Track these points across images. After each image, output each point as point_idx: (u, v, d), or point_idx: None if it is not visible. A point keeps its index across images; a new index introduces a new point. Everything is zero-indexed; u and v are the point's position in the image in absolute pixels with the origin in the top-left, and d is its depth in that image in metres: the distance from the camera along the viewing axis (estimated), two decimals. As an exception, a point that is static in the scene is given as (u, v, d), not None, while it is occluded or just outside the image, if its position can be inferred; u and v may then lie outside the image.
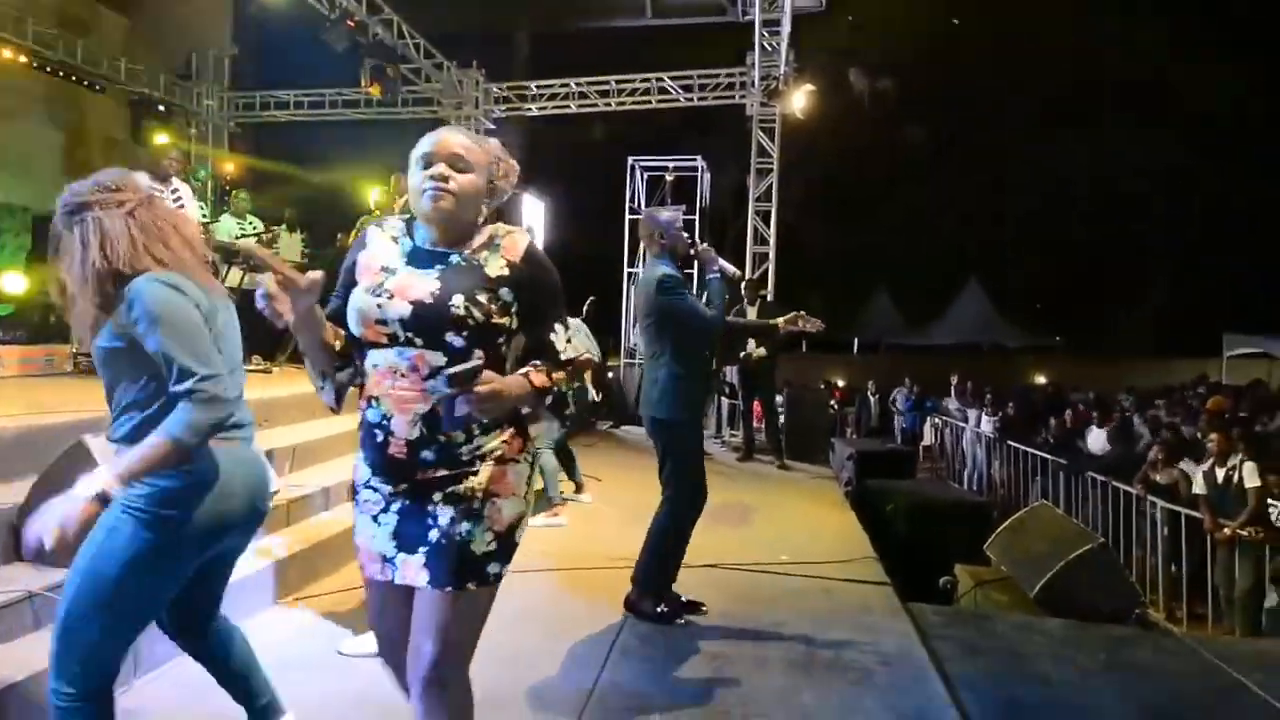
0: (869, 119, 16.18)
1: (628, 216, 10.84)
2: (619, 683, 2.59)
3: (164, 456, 1.44)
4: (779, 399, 7.93)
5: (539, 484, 4.79)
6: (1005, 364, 19.29)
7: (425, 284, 1.43)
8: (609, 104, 9.78)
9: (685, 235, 3.23)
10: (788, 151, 9.01)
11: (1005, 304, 21.25)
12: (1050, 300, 23.86)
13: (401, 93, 9.36)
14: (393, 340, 1.42)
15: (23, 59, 8.11)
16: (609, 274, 10.83)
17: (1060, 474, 7.25)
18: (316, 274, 1.37)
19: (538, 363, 1.49)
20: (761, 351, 6.96)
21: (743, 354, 7.05)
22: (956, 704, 2.53)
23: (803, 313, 3.53)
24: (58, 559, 2.12)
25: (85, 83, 9.03)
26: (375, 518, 1.49)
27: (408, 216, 1.56)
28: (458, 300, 1.40)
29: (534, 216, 11.97)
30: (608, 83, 9.73)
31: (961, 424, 10.69)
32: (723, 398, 8.85)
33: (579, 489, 5.19)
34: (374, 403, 1.45)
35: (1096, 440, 7.93)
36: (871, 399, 13.63)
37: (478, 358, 1.41)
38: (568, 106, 9.98)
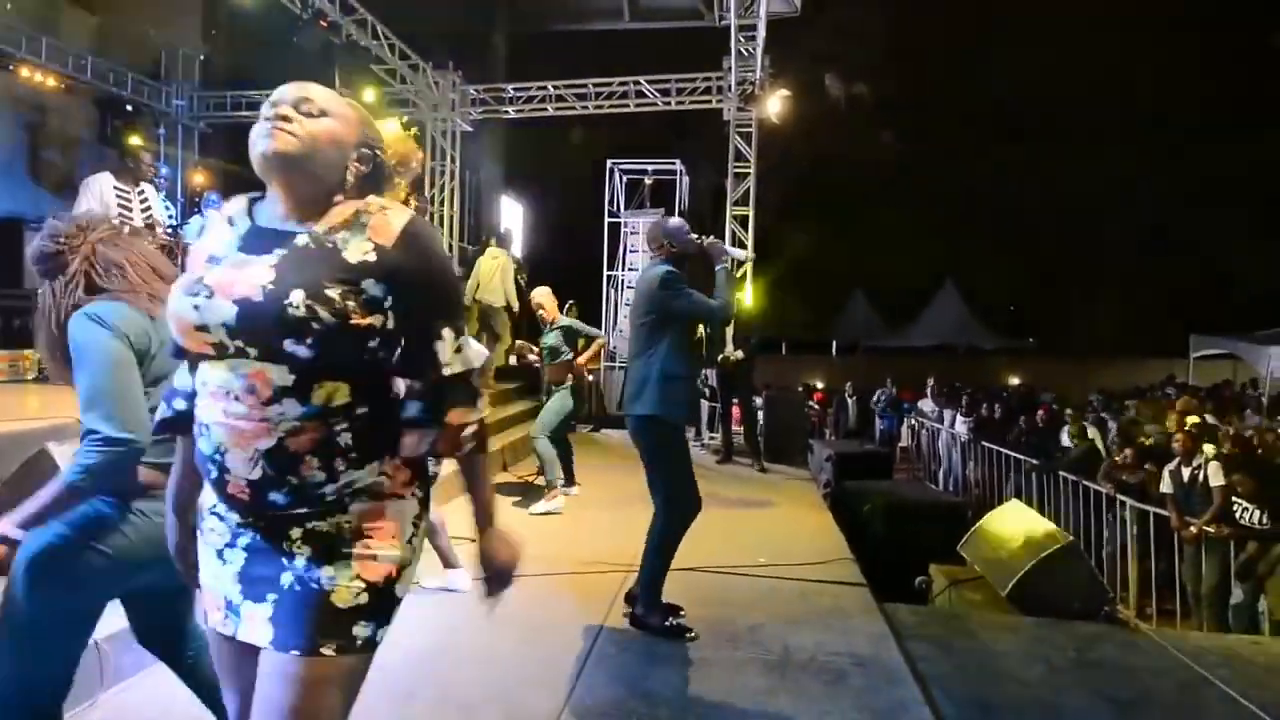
0: (845, 123, 16.37)
1: (607, 219, 10.84)
2: (595, 687, 2.57)
3: (59, 500, 1.44)
4: (757, 401, 7.97)
5: (541, 480, 4.82)
6: (980, 365, 19.60)
7: (256, 274, 1.11)
8: (586, 107, 9.77)
9: (693, 238, 3.23)
10: (765, 155, 9.07)
11: (980, 307, 21.59)
12: (1024, 303, 24.31)
13: (376, 94, 9.27)
14: (221, 351, 1.11)
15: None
16: (588, 277, 10.83)
17: (1033, 474, 7.37)
18: None
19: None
20: (739, 354, 6.99)
21: (720, 356, 7.08)
22: (930, 703, 2.55)
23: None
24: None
25: (51, 81, 8.82)
26: (220, 553, 1.20)
27: (258, 195, 1.25)
28: (296, 296, 1.07)
29: (512, 219, 11.94)
30: (585, 86, 9.72)
31: (937, 425, 10.83)
32: (702, 399, 8.88)
33: (568, 482, 5.22)
34: (205, 430, 1.14)
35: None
36: (849, 400, 13.75)
37: (333, 371, 1.11)
38: (545, 109, 9.95)
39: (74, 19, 9.52)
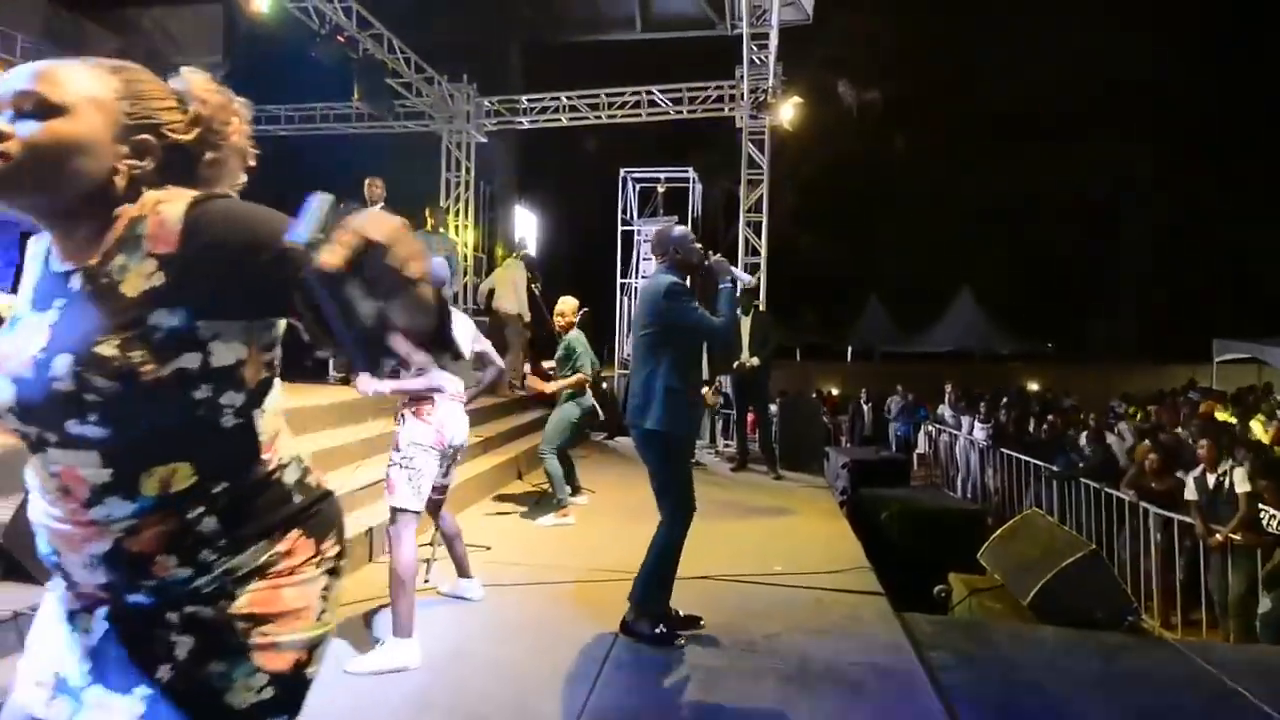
0: (860, 129, 16.32)
1: (620, 228, 10.88)
2: (611, 698, 2.57)
3: None
4: (772, 408, 7.93)
5: (556, 492, 4.85)
6: (997, 371, 19.39)
7: (30, 341, 0.85)
8: (599, 117, 9.83)
9: (699, 247, 3.22)
10: (779, 162, 9.07)
11: (997, 311, 21.38)
12: (1041, 307, 24.05)
13: (393, 106, 9.40)
14: (27, 442, 0.88)
15: (11, 76, 8.12)
16: (602, 285, 10.86)
17: (1054, 481, 7.26)
18: None
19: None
20: (755, 361, 6.97)
21: (735, 363, 7.06)
22: (950, 714, 2.52)
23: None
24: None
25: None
26: (72, 615, 0.93)
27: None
28: (61, 365, 0.81)
29: (527, 228, 12.01)
30: (598, 96, 9.78)
31: (955, 431, 10.71)
32: (718, 407, 8.85)
33: (574, 492, 5.24)
34: (37, 527, 0.92)
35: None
36: (865, 407, 13.64)
37: (156, 449, 0.86)
38: (559, 120, 10.02)
39: (97, 38, 9.75)
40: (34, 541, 0.94)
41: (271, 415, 0.97)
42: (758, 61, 8.43)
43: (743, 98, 8.87)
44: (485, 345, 3.29)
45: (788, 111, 8.45)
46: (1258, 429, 7.89)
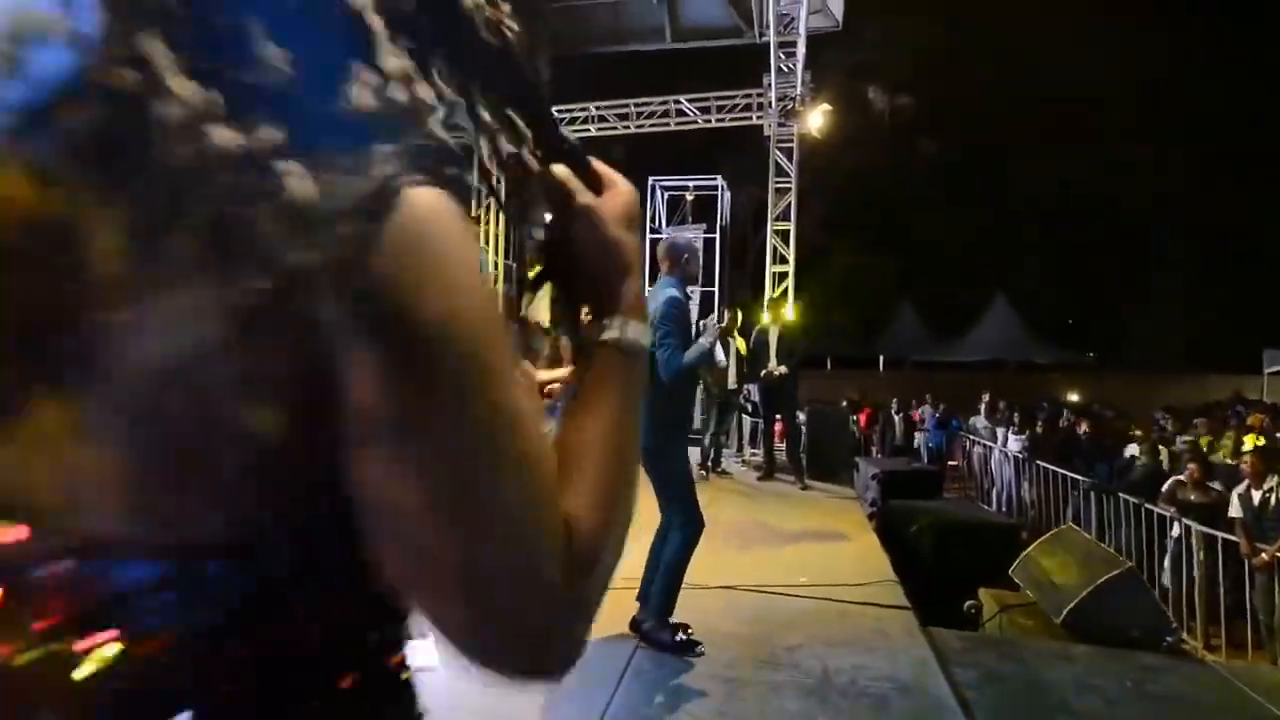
0: (891, 134, 16.17)
1: (648, 236, 10.92)
2: (631, 707, 2.57)
3: None
4: (800, 417, 7.86)
5: None
6: (1034, 381, 18.94)
7: None
8: (627, 127, 9.90)
9: (698, 267, 3.28)
10: (810, 168, 9.05)
11: (1034, 319, 20.89)
12: (1081, 315, 23.41)
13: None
14: None
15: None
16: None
17: (1092, 494, 7.06)
18: None
19: None
20: (783, 369, 6.92)
21: (763, 371, 7.02)
22: (975, 733, 2.47)
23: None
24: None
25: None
26: None
27: None
28: None
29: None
30: (626, 106, 9.86)
31: (990, 443, 10.49)
32: (744, 415, 8.81)
33: None
34: None
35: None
36: (895, 417, 13.43)
37: None
38: (587, 130, 10.12)
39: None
40: None
41: None
42: (786, 69, 8.42)
43: (770, 106, 8.86)
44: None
45: (816, 119, 8.42)
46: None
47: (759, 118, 9.15)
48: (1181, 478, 5.94)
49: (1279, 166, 21.06)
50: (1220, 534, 5.20)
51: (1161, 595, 5.22)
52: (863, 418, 13.00)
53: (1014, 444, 9.62)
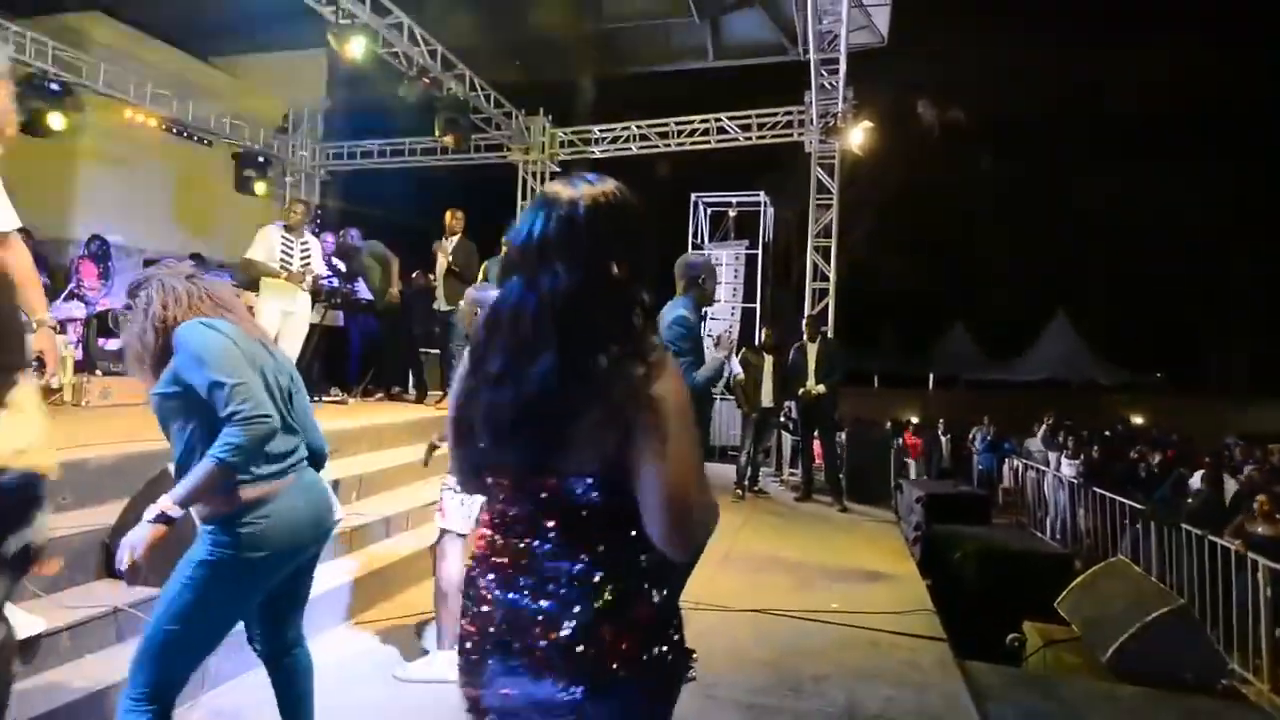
0: (941, 149, 15.84)
1: (690, 252, 10.95)
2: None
3: (211, 478, 1.63)
4: (840, 437, 7.70)
5: None
6: (1096, 402, 18.13)
7: None
8: (669, 145, 9.96)
9: (714, 288, 3.25)
10: (855, 184, 8.91)
11: (1097, 338, 20.03)
12: (1148, 335, 22.35)
13: (473, 140, 9.86)
14: None
15: (143, 118, 9.05)
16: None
17: (1152, 525, 6.70)
18: None
19: None
20: (821, 388, 6.81)
21: (801, 390, 6.93)
22: (1004, 776, 2.37)
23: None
24: (146, 578, 2.37)
25: (195, 137, 9.95)
26: None
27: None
28: None
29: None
30: (668, 125, 9.93)
31: (1043, 467, 10.07)
32: (784, 434, 8.69)
33: None
34: None
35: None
36: (942, 438, 13.02)
37: None
38: (629, 149, 10.22)
39: (217, 81, 10.74)
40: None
41: None
42: (828, 86, 8.35)
43: (812, 123, 8.79)
44: None
45: (857, 136, 8.31)
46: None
47: (800, 134, 9.09)
48: (1252, 510, 5.60)
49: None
50: (1290, 571, 4.87)
51: (1226, 633, 4.92)
52: (908, 437, 12.66)
53: (1067, 468, 9.22)
